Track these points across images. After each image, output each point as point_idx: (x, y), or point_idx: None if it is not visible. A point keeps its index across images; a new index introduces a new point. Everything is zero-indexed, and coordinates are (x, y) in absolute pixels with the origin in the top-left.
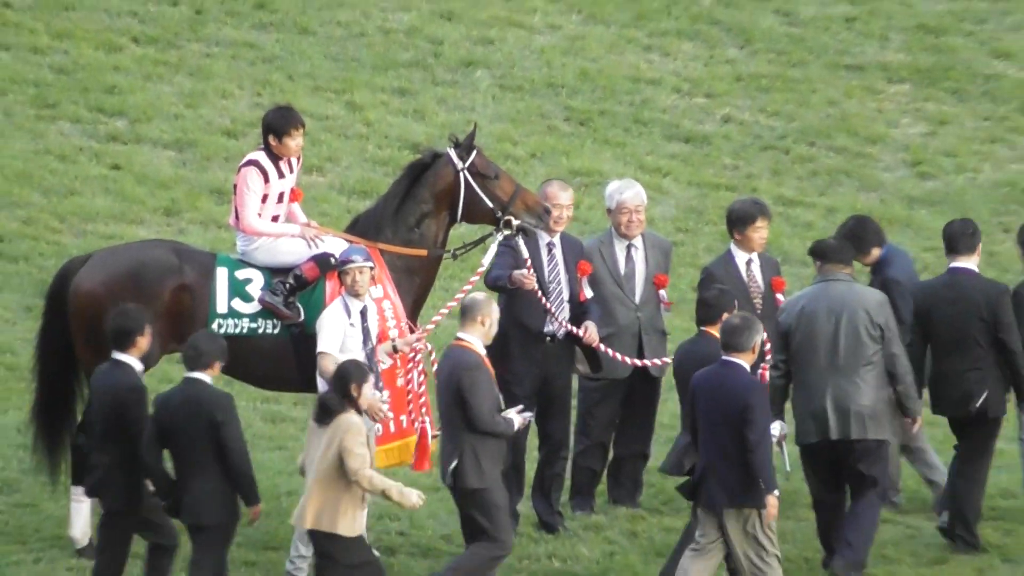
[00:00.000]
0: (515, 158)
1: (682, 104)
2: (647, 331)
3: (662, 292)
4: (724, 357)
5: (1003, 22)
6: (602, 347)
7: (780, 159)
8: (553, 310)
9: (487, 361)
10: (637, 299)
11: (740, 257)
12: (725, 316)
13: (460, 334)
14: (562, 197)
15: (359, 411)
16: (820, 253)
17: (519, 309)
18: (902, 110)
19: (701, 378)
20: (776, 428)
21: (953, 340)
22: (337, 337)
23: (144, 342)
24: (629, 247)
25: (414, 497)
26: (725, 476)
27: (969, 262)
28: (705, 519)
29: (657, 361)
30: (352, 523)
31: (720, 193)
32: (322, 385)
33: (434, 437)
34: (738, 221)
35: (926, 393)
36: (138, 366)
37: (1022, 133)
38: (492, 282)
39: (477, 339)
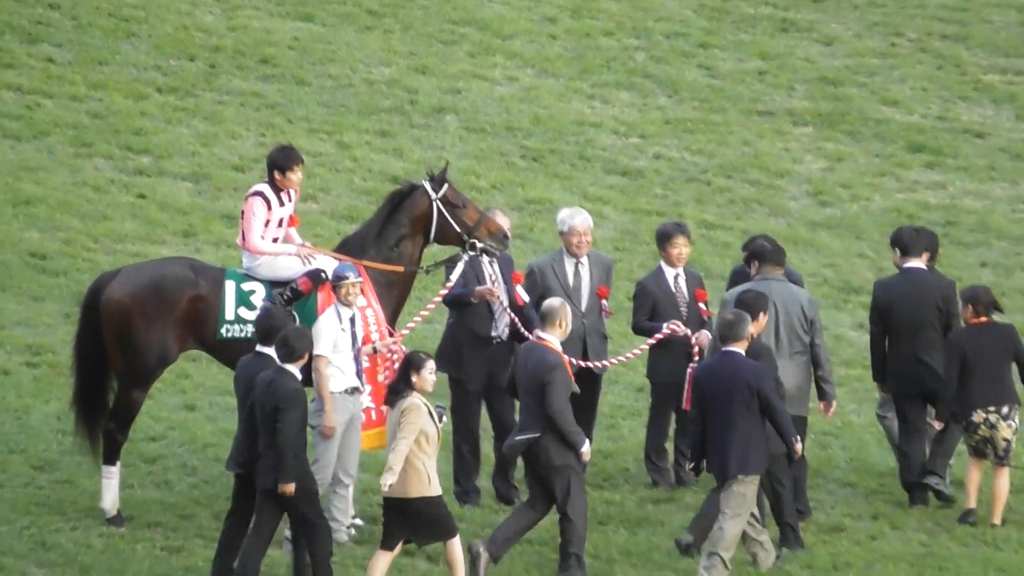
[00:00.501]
0: (479, 189)
1: (619, 143)
2: (591, 335)
3: (604, 302)
4: (724, 348)
5: (891, 75)
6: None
7: (703, 190)
8: (496, 317)
9: (565, 359)
10: (583, 308)
11: (669, 272)
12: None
13: (541, 334)
14: (502, 222)
15: (420, 392)
16: (760, 255)
17: (469, 319)
18: (805, 149)
19: (706, 369)
20: None
21: (911, 327)
22: (331, 341)
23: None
24: (577, 264)
25: (390, 479)
26: (735, 450)
27: (919, 262)
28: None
29: (599, 364)
30: (430, 485)
31: (652, 218)
32: (322, 381)
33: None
34: (661, 238)
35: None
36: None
37: (907, 168)
38: (454, 299)
39: (556, 339)
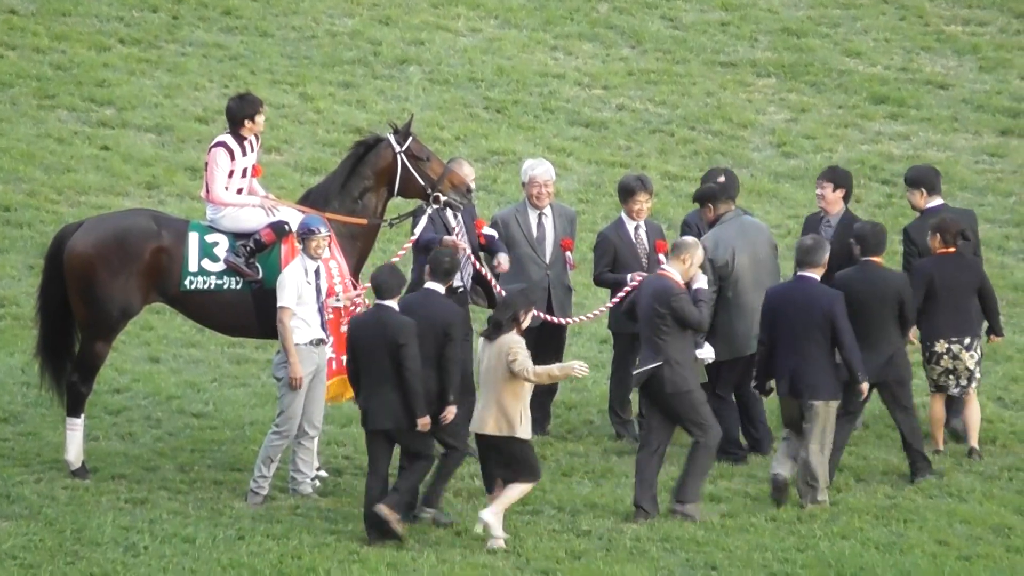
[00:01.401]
0: (442, 140)
1: (583, 95)
2: (555, 286)
3: (568, 254)
4: (800, 273)
5: (854, 26)
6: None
7: (666, 141)
8: (460, 267)
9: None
10: (547, 259)
11: (629, 223)
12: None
13: (665, 267)
14: (466, 172)
15: (521, 333)
16: (711, 196)
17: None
18: (768, 100)
19: (779, 294)
20: (707, 352)
21: (866, 320)
22: (295, 293)
23: (452, 279)
24: (540, 215)
25: (575, 368)
26: (809, 375)
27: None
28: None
29: (562, 320)
30: (526, 425)
31: (615, 170)
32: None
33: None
34: (622, 193)
35: None
36: (442, 291)
37: (870, 119)
38: (425, 244)
39: (677, 272)
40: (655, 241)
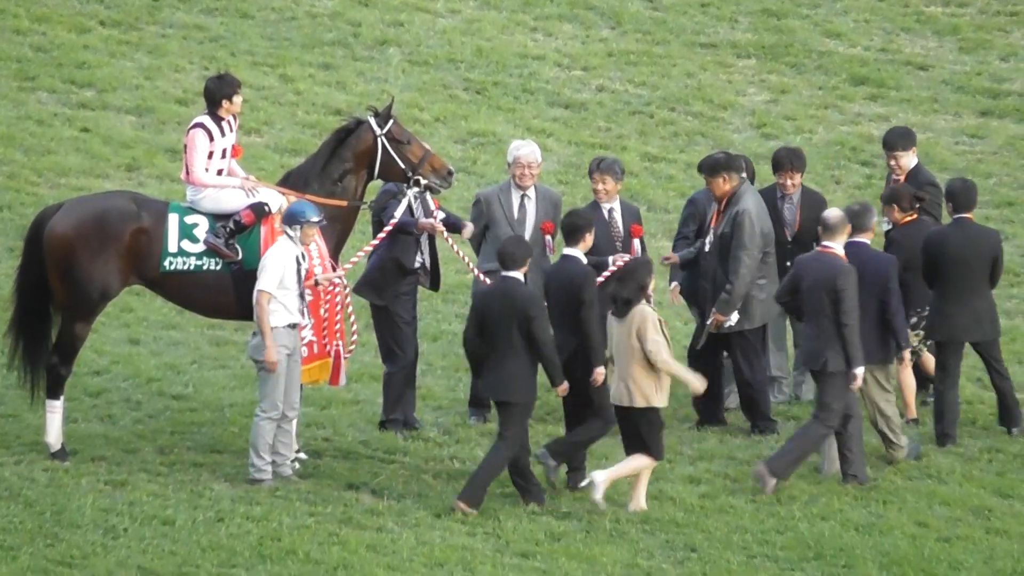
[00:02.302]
0: (422, 122)
1: (563, 76)
2: (532, 270)
3: (548, 238)
4: (851, 239)
5: (834, 7)
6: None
7: (646, 122)
8: (422, 247)
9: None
10: (526, 239)
11: (604, 206)
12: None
13: (826, 243)
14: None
15: (649, 302)
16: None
17: (396, 250)
18: (748, 81)
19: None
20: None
21: (962, 276)
22: (277, 278)
23: (589, 239)
24: (523, 196)
25: (696, 383)
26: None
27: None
28: None
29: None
30: (663, 396)
31: (595, 151)
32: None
33: (346, 358)
34: (589, 173)
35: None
36: (583, 259)
37: (850, 100)
38: (400, 227)
39: (840, 247)
40: (630, 225)
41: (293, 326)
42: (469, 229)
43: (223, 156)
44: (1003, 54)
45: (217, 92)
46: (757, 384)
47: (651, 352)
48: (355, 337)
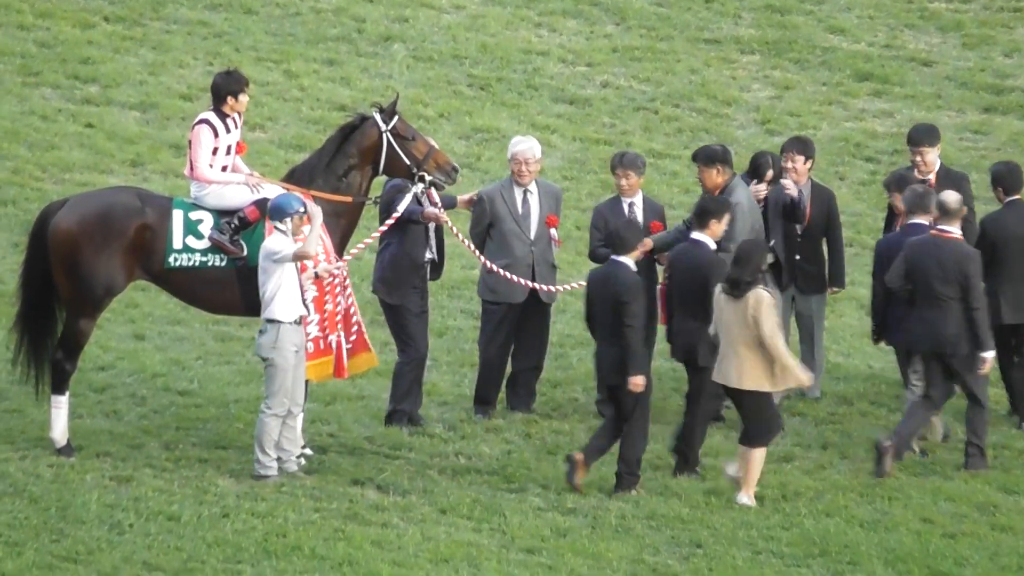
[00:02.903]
0: (426, 118)
1: (567, 72)
2: (539, 263)
3: (553, 231)
4: (910, 221)
5: (837, 3)
6: (495, 268)
7: (650, 118)
8: (430, 240)
9: None
10: (532, 236)
11: (625, 201)
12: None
13: (944, 227)
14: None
15: (765, 285)
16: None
17: (408, 245)
18: (752, 77)
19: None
20: None
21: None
22: (291, 246)
23: (719, 227)
24: (525, 192)
25: (805, 379)
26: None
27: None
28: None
29: (547, 288)
30: (770, 380)
31: (599, 147)
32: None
33: (347, 347)
34: (611, 168)
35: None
36: (712, 245)
37: (854, 96)
38: (407, 216)
39: (957, 230)
40: (651, 221)
41: (299, 321)
42: (463, 200)
43: (227, 152)
44: (1007, 50)
45: (224, 88)
46: None
47: (767, 336)
48: (355, 328)
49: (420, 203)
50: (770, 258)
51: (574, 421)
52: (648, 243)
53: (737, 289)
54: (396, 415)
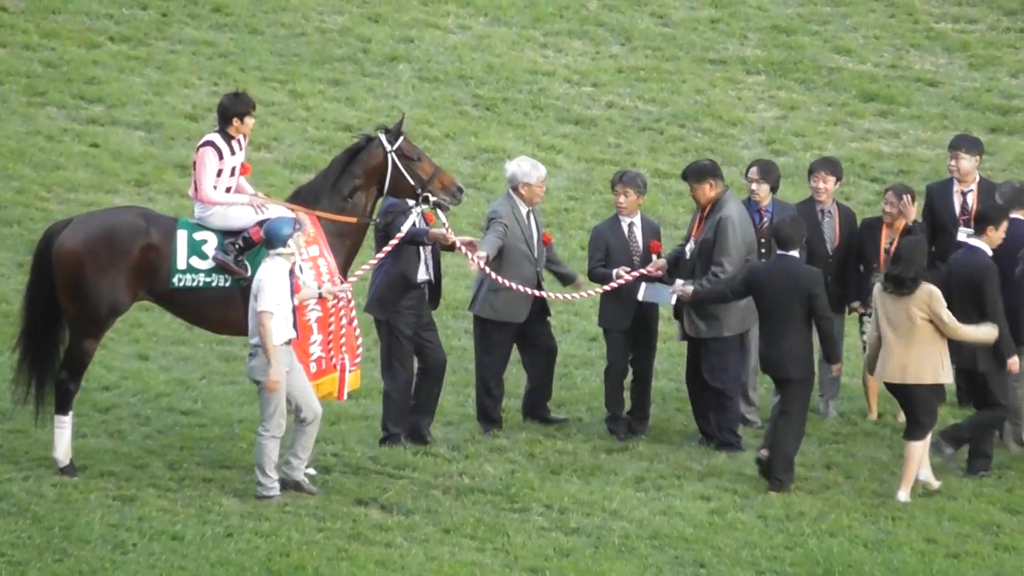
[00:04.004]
0: (431, 138)
1: (572, 92)
2: (543, 281)
3: (547, 248)
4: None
5: (843, 23)
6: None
7: (656, 139)
8: (424, 261)
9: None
10: (535, 255)
11: (624, 220)
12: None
13: (976, 242)
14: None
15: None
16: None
17: (403, 263)
18: (758, 97)
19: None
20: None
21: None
22: (276, 296)
23: (996, 235)
24: (529, 212)
25: (991, 333)
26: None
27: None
28: None
29: (551, 295)
30: (936, 373)
31: (605, 167)
32: (268, 336)
33: (351, 370)
34: (611, 185)
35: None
36: (988, 252)
37: (859, 116)
38: (410, 238)
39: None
40: (650, 241)
41: (288, 342)
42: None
43: (232, 174)
44: (1013, 71)
45: (230, 109)
46: (729, 392)
47: (947, 324)
48: (360, 350)
49: (426, 224)
50: None
51: (578, 441)
52: (687, 293)
53: (903, 287)
54: (390, 439)
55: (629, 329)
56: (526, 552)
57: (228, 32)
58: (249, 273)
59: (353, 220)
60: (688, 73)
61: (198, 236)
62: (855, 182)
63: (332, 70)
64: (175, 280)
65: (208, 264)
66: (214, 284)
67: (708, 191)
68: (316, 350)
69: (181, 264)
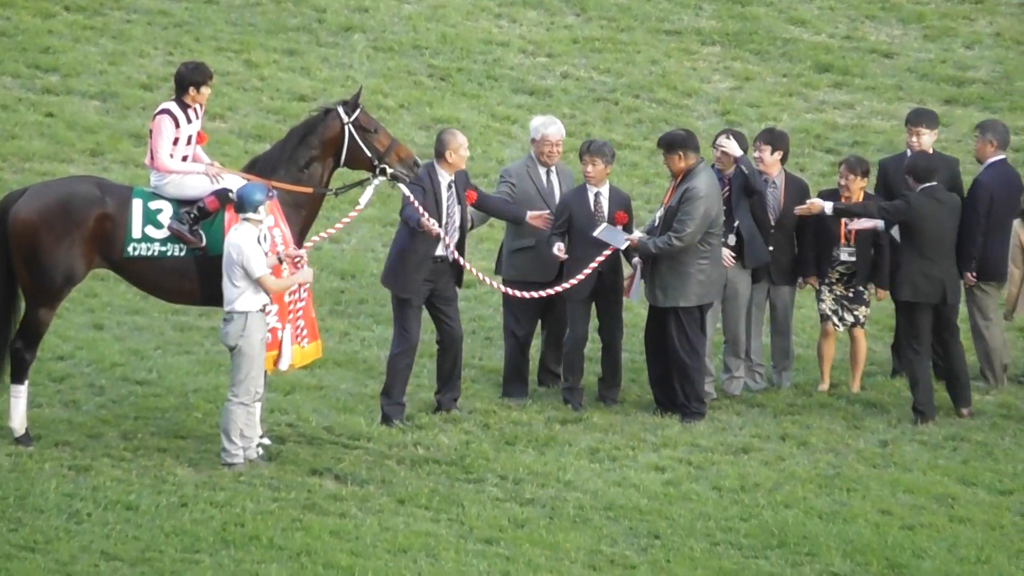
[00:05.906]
0: (386, 108)
1: (527, 62)
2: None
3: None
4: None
5: None
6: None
7: (611, 109)
8: (448, 239)
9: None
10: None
11: (591, 190)
12: None
13: None
14: (460, 141)
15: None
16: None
17: (417, 237)
18: (713, 68)
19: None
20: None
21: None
22: (262, 256)
23: None
24: (548, 172)
25: None
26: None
27: None
28: None
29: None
30: None
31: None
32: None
33: (297, 344)
34: (579, 155)
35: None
36: None
37: (814, 88)
38: (405, 219)
39: None
40: (616, 212)
41: (263, 309)
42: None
43: (188, 143)
44: (967, 42)
45: (187, 78)
46: (692, 362)
47: None
48: (301, 322)
49: (437, 199)
50: (731, 240)
51: (532, 412)
52: (636, 241)
53: None
54: (387, 418)
55: (588, 299)
56: (481, 523)
57: (183, 1)
58: (204, 242)
59: (308, 190)
60: (643, 44)
61: (153, 205)
62: (810, 153)
63: (287, 40)
64: (130, 249)
65: (163, 233)
66: (169, 253)
67: (678, 162)
68: (272, 320)
69: (136, 233)
